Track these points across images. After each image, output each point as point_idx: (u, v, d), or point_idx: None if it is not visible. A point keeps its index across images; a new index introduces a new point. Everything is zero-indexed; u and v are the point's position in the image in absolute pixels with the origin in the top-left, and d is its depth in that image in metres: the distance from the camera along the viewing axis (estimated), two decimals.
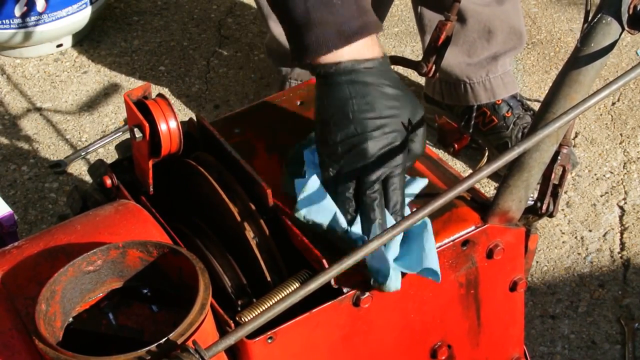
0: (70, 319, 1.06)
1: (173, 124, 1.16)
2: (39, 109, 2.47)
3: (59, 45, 2.65)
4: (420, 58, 1.40)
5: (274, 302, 1.11)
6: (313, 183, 1.19)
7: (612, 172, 2.24)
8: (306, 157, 1.26)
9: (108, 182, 1.28)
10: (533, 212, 1.28)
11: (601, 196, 2.18)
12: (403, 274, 1.16)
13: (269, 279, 1.17)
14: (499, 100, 2.24)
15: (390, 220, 1.18)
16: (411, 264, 1.15)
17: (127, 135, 1.28)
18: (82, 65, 2.62)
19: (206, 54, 2.64)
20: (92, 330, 1.07)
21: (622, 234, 2.10)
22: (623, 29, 1.11)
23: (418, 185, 1.26)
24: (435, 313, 1.25)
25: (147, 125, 1.15)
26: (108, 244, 1.06)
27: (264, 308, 1.10)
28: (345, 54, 1.18)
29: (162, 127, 1.15)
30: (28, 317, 1.04)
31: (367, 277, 1.15)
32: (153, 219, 1.18)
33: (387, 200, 1.19)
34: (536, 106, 2.29)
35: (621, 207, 2.16)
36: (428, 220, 1.18)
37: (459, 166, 2.27)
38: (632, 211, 2.14)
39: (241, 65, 2.59)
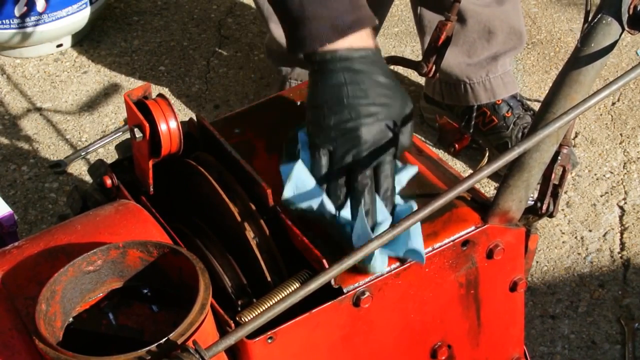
0: (71, 319, 1.06)
1: (173, 124, 1.16)
2: (39, 109, 2.47)
3: (59, 45, 2.65)
4: (420, 58, 1.40)
5: (274, 302, 1.11)
6: (299, 169, 1.20)
7: (612, 172, 2.24)
8: (300, 138, 1.26)
9: (108, 182, 1.28)
10: (533, 212, 1.28)
11: (601, 196, 2.18)
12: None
13: (269, 279, 1.17)
14: (499, 101, 2.24)
15: (381, 207, 1.19)
16: (397, 246, 1.16)
17: (127, 135, 1.28)
18: (82, 65, 2.61)
19: (206, 54, 2.64)
20: (92, 330, 1.07)
21: (622, 234, 2.10)
22: (623, 29, 1.11)
23: (408, 173, 1.27)
24: (435, 313, 1.25)
25: (147, 125, 1.15)
26: (108, 244, 1.06)
27: (264, 308, 1.11)
28: (339, 46, 1.20)
29: (162, 127, 1.15)
30: (28, 317, 1.04)
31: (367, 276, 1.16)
32: (153, 219, 1.18)
33: (378, 187, 1.20)
34: (536, 106, 2.29)
35: (621, 207, 2.15)
36: (414, 204, 1.20)
37: (459, 166, 2.27)
38: (632, 211, 2.14)
39: (241, 65, 2.59)
